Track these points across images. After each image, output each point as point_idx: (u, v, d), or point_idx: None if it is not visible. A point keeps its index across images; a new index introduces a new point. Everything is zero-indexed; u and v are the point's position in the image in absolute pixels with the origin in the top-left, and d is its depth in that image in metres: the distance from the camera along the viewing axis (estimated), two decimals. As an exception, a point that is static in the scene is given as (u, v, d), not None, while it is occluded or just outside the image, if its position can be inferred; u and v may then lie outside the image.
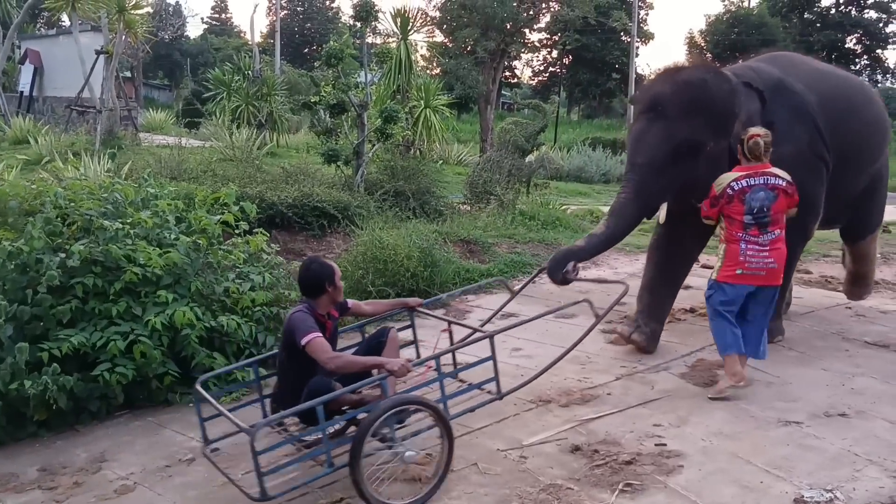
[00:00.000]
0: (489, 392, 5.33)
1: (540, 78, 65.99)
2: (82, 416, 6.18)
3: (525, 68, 65.91)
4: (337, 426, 4.96)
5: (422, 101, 21.42)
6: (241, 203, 7.64)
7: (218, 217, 7.38)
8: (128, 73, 37.08)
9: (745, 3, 60.80)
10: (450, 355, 5.61)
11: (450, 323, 5.91)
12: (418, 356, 5.87)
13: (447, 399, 5.03)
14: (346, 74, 12.94)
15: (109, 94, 20.98)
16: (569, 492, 4.90)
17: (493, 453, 5.41)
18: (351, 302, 5.49)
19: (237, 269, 7.50)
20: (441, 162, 21.49)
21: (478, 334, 5.51)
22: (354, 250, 9.24)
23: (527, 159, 15.55)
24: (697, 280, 9.39)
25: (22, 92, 29.42)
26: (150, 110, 34.19)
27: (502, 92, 44.02)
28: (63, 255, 6.37)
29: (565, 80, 62.93)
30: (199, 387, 4.98)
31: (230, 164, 13.55)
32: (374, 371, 4.96)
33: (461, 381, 5.38)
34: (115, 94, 21.80)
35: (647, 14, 58.86)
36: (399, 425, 4.72)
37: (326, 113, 14.33)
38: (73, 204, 6.83)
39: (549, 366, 5.62)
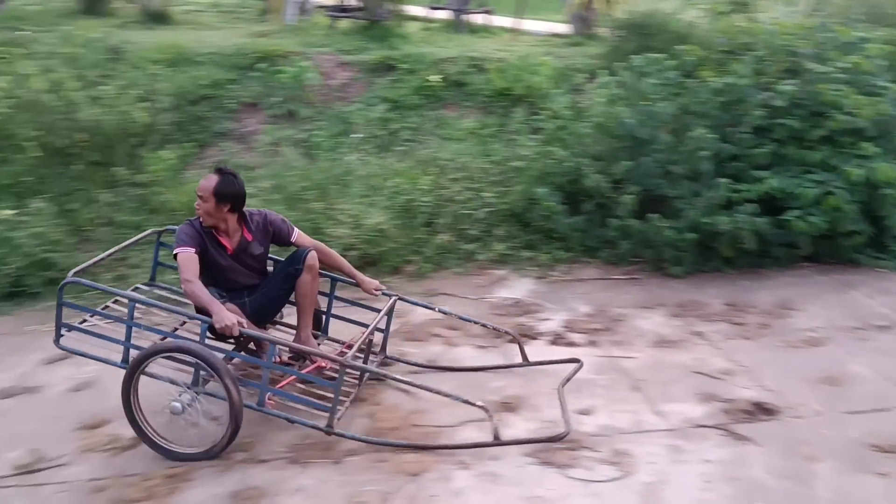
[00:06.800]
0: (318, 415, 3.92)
1: None
2: (766, 260, 6.14)
3: None
4: None
5: None
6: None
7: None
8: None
9: None
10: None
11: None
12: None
13: (268, 390, 3.90)
14: None
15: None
16: None
17: None
18: (297, 234, 4.40)
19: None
20: None
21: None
22: None
23: None
24: None
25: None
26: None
27: None
28: (768, 95, 6.21)
29: None
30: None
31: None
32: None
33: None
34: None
35: None
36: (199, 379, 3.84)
37: None
38: (784, 44, 6.54)
39: None
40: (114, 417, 3.96)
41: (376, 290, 4.49)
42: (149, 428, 3.82)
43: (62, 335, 4.03)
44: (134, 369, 3.76)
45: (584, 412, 4.16)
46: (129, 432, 3.90)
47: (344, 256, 5.91)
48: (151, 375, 3.83)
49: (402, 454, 3.79)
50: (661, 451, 3.80)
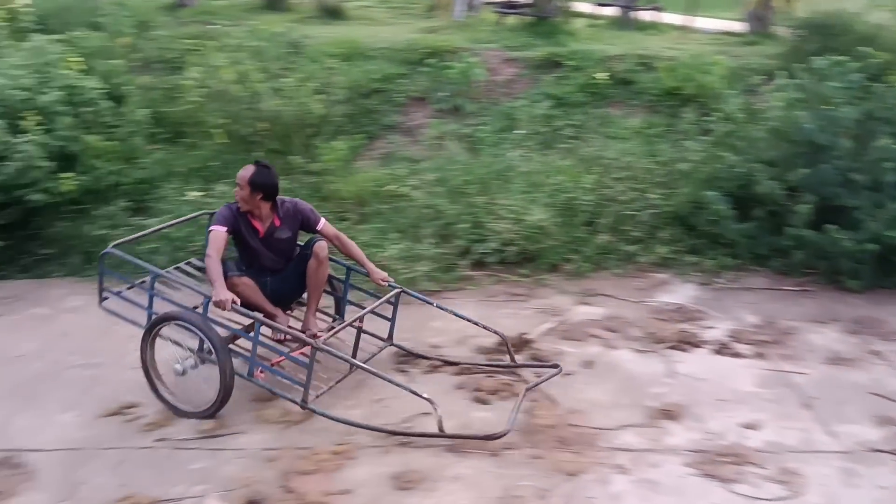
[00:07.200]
0: (295, 388, 4.15)
1: None
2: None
3: None
4: None
5: None
6: None
7: None
8: None
9: None
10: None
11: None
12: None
13: (258, 363, 4.20)
14: None
15: None
16: None
17: None
18: (322, 223, 4.66)
19: None
20: None
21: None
22: None
23: None
24: None
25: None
26: None
27: None
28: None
29: None
30: None
31: None
32: None
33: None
34: None
35: None
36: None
37: None
38: None
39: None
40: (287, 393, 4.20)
41: (383, 280, 4.73)
42: (160, 384, 4.31)
43: (106, 297, 4.60)
44: (148, 332, 4.27)
45: (750, 426, 4.03)
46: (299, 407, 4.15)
47: (502, 251, 6.06)
48: (169, 340, 4.28)
49: (560, 452, 3.81)
50: (833, 473, 3.64)
